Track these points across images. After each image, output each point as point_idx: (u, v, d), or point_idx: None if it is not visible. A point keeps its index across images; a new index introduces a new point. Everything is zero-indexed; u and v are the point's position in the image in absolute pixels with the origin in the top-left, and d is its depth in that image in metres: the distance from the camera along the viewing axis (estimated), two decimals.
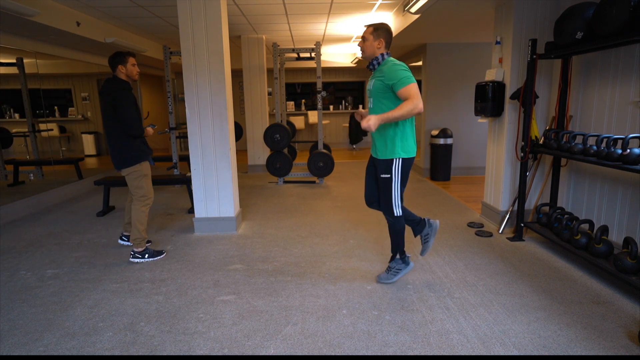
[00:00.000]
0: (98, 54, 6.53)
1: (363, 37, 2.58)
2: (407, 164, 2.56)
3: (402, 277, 2.87)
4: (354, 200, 5.19)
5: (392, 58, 2.55)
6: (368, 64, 2.62)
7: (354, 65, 9.79)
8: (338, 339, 2.17)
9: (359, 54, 8.75)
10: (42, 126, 5.80)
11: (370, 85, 2.61)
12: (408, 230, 2.87)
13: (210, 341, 2.17)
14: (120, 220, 4.47)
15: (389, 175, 2.56)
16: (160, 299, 2.65)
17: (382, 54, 2.55)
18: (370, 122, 2.33)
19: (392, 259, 2.84)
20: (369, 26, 2.57)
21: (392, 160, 2.54)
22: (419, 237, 2.86)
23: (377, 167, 2.65)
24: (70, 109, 6.89)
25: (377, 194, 2.77)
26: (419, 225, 2.79)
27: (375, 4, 4.97)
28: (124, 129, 3.12)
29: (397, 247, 2.78)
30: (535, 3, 3.63)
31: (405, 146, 2.54)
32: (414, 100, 2.32)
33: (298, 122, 10.54)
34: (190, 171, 3.99)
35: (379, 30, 2.53)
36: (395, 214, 2.63)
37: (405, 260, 2.81)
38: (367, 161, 2.83)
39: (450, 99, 6.61)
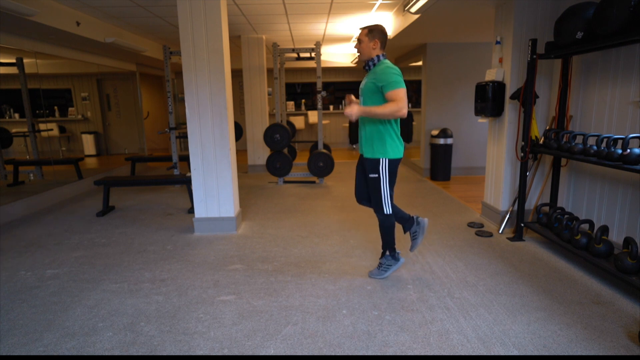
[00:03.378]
0: (98, 54, 6.53)
1: (359, 40, 2.67)
2: (393, 164, 2.66)
3: (402, 277, 2.88)
4: (354, 200, 5.14)
5: (387, 60, 2.63)
6: (364, 65, 2.70)
7: (354, 65, 9.79)
8: (338, 339, 2.17)
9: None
10: (42, 126, 5.80)
11: (362, 84, 2.70)
12: (398, 228, 2.93)
13: (210, 341, 2.17)
14: (120, 220, 4.47)
15: (376, 175, 2.65)
16: (160, 299, 2.65)
17: (378, 56, 2.63)
18: (353, 110, 2.50)
19: (383, 255, 2.90)
20: (363, 28, 2.65)
21: (379, 160, 2.63)
22: (408, 233, 2.96)
23: (365, 166, 2.74)
24: (70, 109, 6.89)
25: (366, 192, 2.88)
26: (407, 223, 2.90)
27: (375, 4, 4.97)
28: None
29: (387, 243, 2.86)
30: (535, 3, 3.63)
31: (392, 147, 2.63)
32: (399, 103, 2.44)
33: (298, 122, 10.54)
34: (190, 171, 3.99)
35: (373, 31, 2.61)
36: (385, 212, 2.71)
37: (395, 257, 2.88)
38: (358, 159, 2.92)
39: (450, 99, 6.61)
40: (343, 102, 11.37)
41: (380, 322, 2.32)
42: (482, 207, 4.38)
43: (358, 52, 2.69)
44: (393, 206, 2.76)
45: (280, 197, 5.48)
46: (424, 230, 2.89)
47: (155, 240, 3.78)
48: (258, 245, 3.61)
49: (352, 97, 2.83)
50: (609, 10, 2.49)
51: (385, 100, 2.53)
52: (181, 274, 3.03)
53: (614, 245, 2.82)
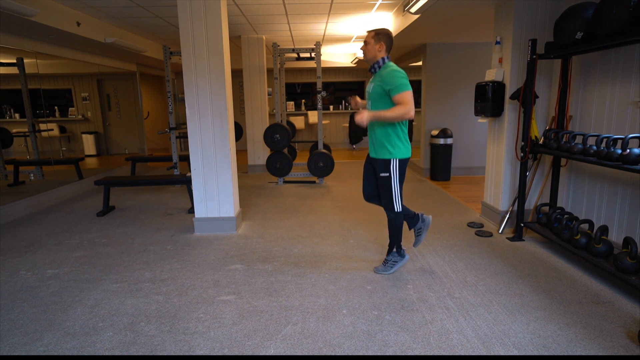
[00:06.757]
0: (98, 54, 6.53)
1: (365, 41, 2.76)
2: (403, 163, 2.75)
3: (402, 277, 2.88)
4: (354, 200, 5.19)
5: (392, 63, 2.72)
6: (370, 67, 2.79)
7: (354, 65, 9.79)
8: (338, 339, 2.17)
9: (359, 54, 8.78)
10: (42, 126, 5.81)
11: (369, 88, 2.78)
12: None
13: (210, 341, 2.17)
14: (121, 220, 4.47)
15: (387, 174, 2.74)
16: (160, 299, 2.65)
17: (383, 58, 2.72)
18: (364, 117, 2.57)
19: (389, 252, 2.98)
20: (370, 31, 2.74)
21: (390, 160, 2.71)
22: (412, 230, 3.05)
23: (375, 166, 2.83)
24: (70, 109, 6.89)
25: (375, 190, 2.97)
26: (412, 220, 2.99)
27: (375, 4, 4.98)
28: None
29: (396, 240, 2.93)
30: (535, 3, 3.63)
31: (401, 148, 2.72)
32: (406, 106, 2.53)
33: (298, 122, 10.54)
34: (190, 171, 3.99)
35: (380, 34, 2.70)
36: (396, 210, 2.80)
37: (401, 253, 2.96)
38: (365, 159, 3.02)
39: (450, 99, 6.61)
40: (344, 102, 11.38)
41: (380, 322, 2.32)
42: (482, 207, 4.38)
43: (363, 53, 2.77)
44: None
45: (280, 197, 5.48)
46: (428, 227, 3.00)
47: (155, 240, 3.78)
48: (258, 245, 3.61)
49: (357, 98, 2.93)
50: (609, 11, 2.49)
51: (392, 102, 2.61)
52: (181, 274, 3.03)
53: (614, 245, 2.82)
